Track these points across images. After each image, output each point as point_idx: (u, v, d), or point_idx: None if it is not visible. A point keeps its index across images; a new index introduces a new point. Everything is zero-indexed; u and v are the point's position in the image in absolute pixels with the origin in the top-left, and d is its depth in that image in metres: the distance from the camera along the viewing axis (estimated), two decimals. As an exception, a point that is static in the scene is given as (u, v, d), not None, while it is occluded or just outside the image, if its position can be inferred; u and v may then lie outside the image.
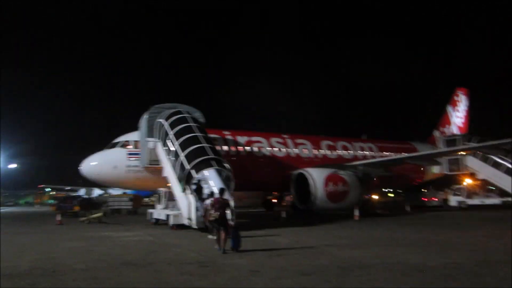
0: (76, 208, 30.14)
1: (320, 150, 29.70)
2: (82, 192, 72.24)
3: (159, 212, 20.61)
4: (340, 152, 30.61)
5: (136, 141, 23.72)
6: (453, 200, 35.20)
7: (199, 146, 18.57)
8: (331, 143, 30.76)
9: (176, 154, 18.82)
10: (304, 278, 7.89)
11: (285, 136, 29.24)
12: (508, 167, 31.15)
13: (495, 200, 33.31)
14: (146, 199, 50.54)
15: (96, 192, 63.46)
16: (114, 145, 24.18)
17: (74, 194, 68.29)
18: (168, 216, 18.65)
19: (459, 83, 42.06)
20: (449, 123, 40.47)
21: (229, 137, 26.70)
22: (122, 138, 24.47)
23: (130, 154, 23.66)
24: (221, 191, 12.86)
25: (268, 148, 27.56)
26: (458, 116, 41.09)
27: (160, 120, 21.64)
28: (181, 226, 17.74)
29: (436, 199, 39.16)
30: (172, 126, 20.37)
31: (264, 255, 10.62)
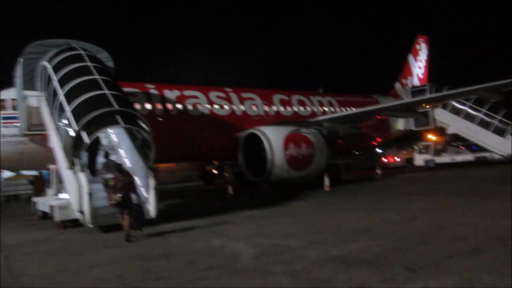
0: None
1: (272, 106, 23.67)
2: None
3: (44, 202, 13.54)
4: (296, 108, 24.78)
5: (14, 99, 16.26)
6: (419, 159, 31.21)
7: (97, 94, 11.65)
8: (285, 97, 24.73)
9: (62, 110, 11.85)
10: None
11: (228, 90, 22.76)
12: (483, 119, 27.10)
13: (468, 157, 29.58)
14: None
15: (6, 174, 53.28)
16: (-16, 107, 16.50)
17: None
18: (52, 207, 11.81)
19: (420, 30, 36.96)
20: (410, 74, 35.91)
21: (154, 91, 19.76)
22: (-5, 97, 16.79)
23: (5, 118, 16.19)
24: (119, 167, 10.06)
25: (206, 106, 20.99)
26: (419, 67, 36.64)
27: (44, 62, 14.33)
28: (76, 222, 11.12)
29: (399, 159, 35.10)
30: (58, 68, 13.23)
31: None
